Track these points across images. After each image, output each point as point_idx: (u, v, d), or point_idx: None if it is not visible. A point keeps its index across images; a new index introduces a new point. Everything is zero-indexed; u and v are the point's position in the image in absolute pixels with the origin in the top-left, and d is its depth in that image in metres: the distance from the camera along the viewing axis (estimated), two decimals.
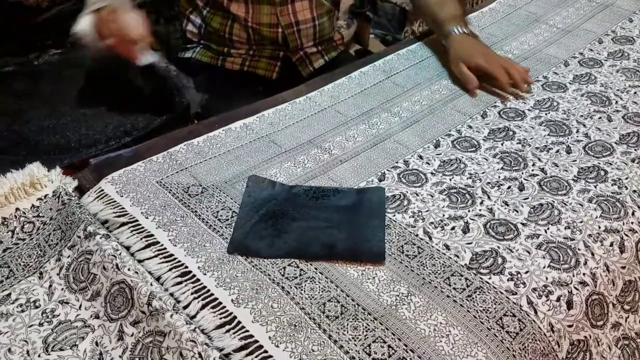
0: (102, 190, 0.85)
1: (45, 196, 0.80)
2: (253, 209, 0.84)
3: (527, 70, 1.19)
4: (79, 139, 1.00)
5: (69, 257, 0.74)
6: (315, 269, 0.75)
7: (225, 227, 0.81)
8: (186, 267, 0.74)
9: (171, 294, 0.70)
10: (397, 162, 0.95)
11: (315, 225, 0.82)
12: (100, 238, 0.72)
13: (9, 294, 0.71)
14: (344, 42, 1.55)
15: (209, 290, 0.71)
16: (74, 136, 1.00)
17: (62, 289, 0.71)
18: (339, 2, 1.46)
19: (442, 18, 1.26)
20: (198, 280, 0.73)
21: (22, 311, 0.69)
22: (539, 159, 0.97)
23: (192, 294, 0.71)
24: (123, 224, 0.80)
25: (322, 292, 0.72)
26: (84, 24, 1.07)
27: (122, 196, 0.84)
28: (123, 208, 0.82)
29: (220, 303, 0.70)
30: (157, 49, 1.66)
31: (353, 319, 0.69)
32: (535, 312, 0.71)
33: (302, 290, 0.72)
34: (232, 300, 0.70)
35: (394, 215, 0.84)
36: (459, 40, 1.20)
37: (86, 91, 1.12)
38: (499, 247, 0.79)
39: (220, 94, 1.31)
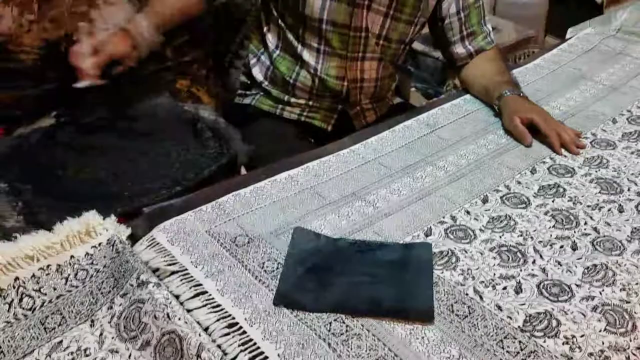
0: (154, 238, 0.87)
1: (100, 244, 0.81)
2: (298, 261, 0.84)
3: (579, 134, 1.18)
4: (132, 189, 1.02)
5: (120, 305, 0.75)
6: (362, 325, 0.74)
7: (271, 279, 0.81)
8: (233, 318, 0.74)
9: (219, 346, 0.70)
10: (443, 217, 0.94)
11: (361, 280, 0.81)
12: (153, 287, 0.73)
13: (61, 341, 0.72)
14: (392, 96, 1.59)
15: (255, 343, 0.71)
16: (127, 186, 1.03)
17: (113, 338, 0.72)
18: (400, 67, 1.52)
19: (494, 84, 1.28)
20: (245, 332, 0.72)
21: (73, 359, 0.69)
22: (591, 218, 0.95)
23: (239, 346, 0.70)
24: (173, 273, 0.81)
25: (370, 350, 0.71)
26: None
27: (172, 245, 0.86)
28: (173, 257, 0.83)
29: (266, 357, 0.69)
30: (207, 102, 1.72)
31: None
32: None
33: (348, 347, 0.71)
34: (278, 355, 0.69)
35: (442, 273, 0.83)
36: (513, 99, 1.22)
37: (139, 143, 1.15)
38: (553, 309, 0.77)
39: (274, 143, 1.34)
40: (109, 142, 1.16)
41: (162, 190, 1.02)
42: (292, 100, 1.41)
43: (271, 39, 1.40)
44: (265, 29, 1.41)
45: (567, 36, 1.72)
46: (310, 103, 1.41)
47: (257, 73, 1.44)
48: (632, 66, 1.49)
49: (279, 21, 1.36)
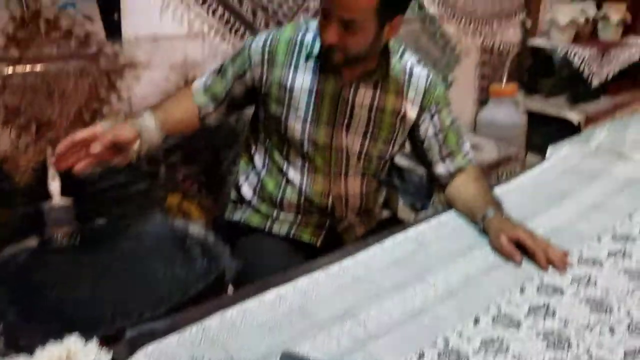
0: None
1: None
2: None
3: (566, 254, 1.17)
4: (115, 310, 1.00)
5: None
6: None
7: None
8: None
9: None
10: (436, 339, 0.92)
11: None
12: None
13: None
14: (380, 211, 1.61)
15: None
16: (110, 307, 1.01)
17: None
18: (384, 180, 1.53)
19: (477, 206, 1.30)
20: None
21: None
22: (583, 339, 0.93)
23: None
24: None
25: None
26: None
27: None
28: None
29: None
30: (198, 217, 1.74)
31: None
32: None
33: None
34: None
35: None
36: (497, 220, 1.23)
37: (126, 262, 1.15)
38: None
39: (263, 259, 1.35)
40: (96, 262, 1.15)
41: (146, 311, 1.00)
42: (281, 216, 1.43)
43: (259, 159, 1.45)
44: (253, 149, 1.47)
45: (547, 155, 1.79)
46: (299, 219, 1.43)
47: (246, 191, 1.47)
48: (612, 185, 1.53)
49: (266, 142, 1.42)
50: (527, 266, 1.14)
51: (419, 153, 1.46)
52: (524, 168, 1.81)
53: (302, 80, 1.32)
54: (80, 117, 1.51)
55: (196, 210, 1.75)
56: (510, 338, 0.93)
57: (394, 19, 1.22)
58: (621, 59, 2.60)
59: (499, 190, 1.50)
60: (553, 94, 2.84)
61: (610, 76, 2.61)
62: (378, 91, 1.34)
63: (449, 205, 1.43)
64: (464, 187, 1.39)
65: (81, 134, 1.10)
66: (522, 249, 1.16)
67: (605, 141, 1.79)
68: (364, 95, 1.34)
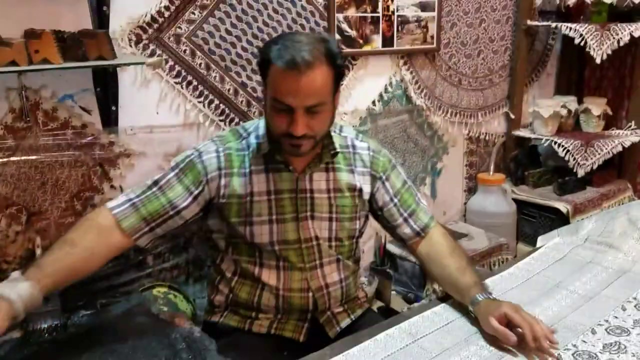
0: None
1: None
2: None
3: (553, 330, 1.17)
4: None
5: None
6: None
7: None
8: None
9: None
10: None
11: None
12: None
13: None
14: (367, 299, 1.58)
15: None
16: None
17: None
18: (359, 259, 1.53)
19: (463, 286, 1.29)
20: None
21: None
22: None
23: None
24: None
25: None
26: None
27: None
28: None
29: None
30: (184, 309, 1.70)
31: None
32: None
33: None
34: None
35: None
36: (486, 303, 1.22)
37: (109, 356, 1.11)
38: None
39: (246, 357, 1.29)
40: (79, 357, 1.11)
41: None
42: (260, 316, 1.39)
43: (227, 268, 1.40)
44: (218, 260, 1.42)
45: (538, 244, 1.79)
46: (279, 317, 1.39)
47: (219, 300, 1.42)
48: (603, 275, 1.53)
49: (232, 253, 1.39)
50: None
51: (382, 221, 1.48)
52: (515, 258, 1.80)
53: (258, 184, 1.32)
54: (71, 206, 1.51)
55: (183, 301, 1.71)
56: None
57: (338, 91, 1.27)
58: (605, 149, 2.67)
59: (492, 280, 1.49)
60: (540, 185, 2.89)
61: (595, 166, 2.67)
62: (331, 173, 1.37)
63: (422, 265, 1.48)
64: (437, 248, 1.42)
65: None
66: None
67: (594, 232, 1.80)
68: (319, 181, 1.36)
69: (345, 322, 1.44)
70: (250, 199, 1.32)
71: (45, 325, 1.22)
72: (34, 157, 1.44)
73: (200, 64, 1.82)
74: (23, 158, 1.42)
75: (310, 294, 1.38)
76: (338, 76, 1.24)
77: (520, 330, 1.14)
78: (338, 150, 1.35)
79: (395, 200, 1.43)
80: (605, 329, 1.25)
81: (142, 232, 1.28)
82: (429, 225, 1.45)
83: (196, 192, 1.31)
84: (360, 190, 1.40)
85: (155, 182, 1.31)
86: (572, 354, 1.15)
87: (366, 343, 1.18)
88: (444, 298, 1.39)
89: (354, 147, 1.41)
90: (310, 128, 1.21)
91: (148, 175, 1.68)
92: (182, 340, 1.18)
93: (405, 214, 1.44)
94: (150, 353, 1.13)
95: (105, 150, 1.57)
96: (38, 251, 1.40)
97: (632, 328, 1.25)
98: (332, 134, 1.36)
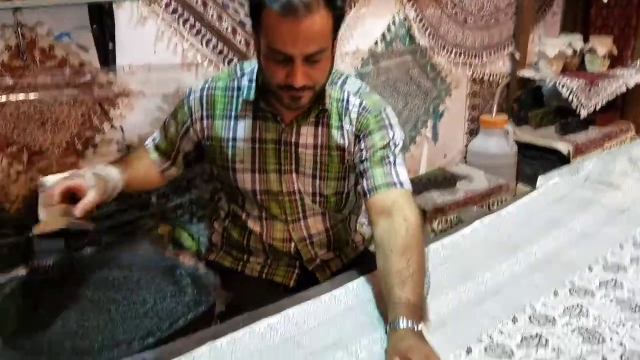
0: None
1: None
2: None
3: None
4: (103, 341, 0.98)
5: None
6: None
7: None
8: None
9: None
10: None
11: None
12: None
13: None
14: (364, 241, 1.58)
15: None
16: (98, 338, 0.99)
17: None
18: (353, 209, 1.48)
19: (395, 299, 1.03)
20: None
21: None
22: None
23: None
24: None
25: None
26: (50, 179, 1.14)
27: None
28: None
29: None
30: (190, 246, 1.73)
31: None
32: None
33: None
34: None
35: None
36: (402, 335, 0.96)
37: (115, 292, 1.13)
38: None
39: (241, 298, 1.30)
40: (84, 292, 1.14)
41: (134, 342, 0.98)
42: (251, 259, 1.42)
43: (223, 207, 1.44)
44: (216, 199, 1.46)
45: (538, 185, 1.80)
46: (269, 262, 1.41)
47: (216, 239, 1.47)
48: (602, 214, 1.54)
49: (225, 195, 1.42)
50: (519, 297, 1.14)
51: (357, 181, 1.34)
52: (514, 198, 1.81)
53: (244, 130, 1.29)
54: (73, 146, 1.51)
55: (188, 239, 1.74)
56: None
57: (337, 36, 1.18)
58: (609, 90, 2.64)
59: (490, 219, 1.50)
60: (542, 125, 2.88)
61: (598, 107, 2.65)
62: (320, 128, 1.29)
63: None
64: (389, 244, 1.12)
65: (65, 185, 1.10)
66: None
67: (594, 171, 1.80)
68: (307, 136, 1.29)
69: (337, 267, 1.44)
70: (233, 144, 1.30)
71: (51, 263, 1.24)
72: (32, 97, 1.43)
73: (196, 1, 1.77)
74: (22, 97, 1.40)
75: (293, 244, 1.39)
76: (338, 19, 1.14)
77: None
78: (327, 107, 1.27)
79: (365, 155, 1.25)
80: (603, 267, 1.27)
81: (166, 167, 1.39)
82: (378, 189, 1.20)
83: (183, 133, 1.34)
84: (347, 151, 1.30)
85: (164, 122, 1.38)
86: (569, 290, 1.17)
87: (366, 277, 1.20)
88: (441, 237, 1.40)
89: (347, 102, 1.28)
90: (310, 78, 1.13)
91: (148, 116, 1.68)
92: (187, 276, 1.20)
93: (362, 168, 1.25)
94: (156, 289, 1.15)
95: (105, 89, 1.56)
96: (41, 189, 1.41)
97: (630, 265, 1.27)
98: (331, 86, 1.28)
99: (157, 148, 1.37)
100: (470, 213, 2.28)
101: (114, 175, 1.22)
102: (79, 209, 1.09)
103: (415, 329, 0.96)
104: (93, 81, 1.54)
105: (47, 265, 1.21)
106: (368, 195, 1.21)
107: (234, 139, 1.30)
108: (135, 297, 1.12)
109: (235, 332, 1.00)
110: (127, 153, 1.45)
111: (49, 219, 1.07)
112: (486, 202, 2.41)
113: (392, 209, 1.16)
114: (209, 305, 1.13)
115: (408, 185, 1.23)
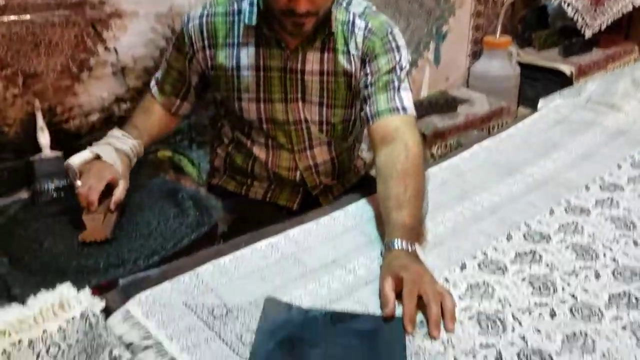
0: (129, 311, 0.85)
1: (73, 318, 0.79)
2: (269, 334, 0.82)
3: (453, 319, 0.87)
4: (108, 260, 1.01)
5: None
6: None
7: (249, 351, 0.80)
8: None
9: None
10: None
11: (333, 352, 0.80)
12: None
13: None
14: (365, 165, 1.59)
15: None
16: (103, 257, 1.02)
17: None
18: (358, 136, 1.48)
19: (391, 221, 1.04)
20: None
21: None
22: (568, 284, 0.95)
23: None
24: (148, 347, 0.79)
25: None
26: (77, 160, 1.14)
27: (147, 318, 0.84)
28: (148, 330, 0.82)
29: None
30: (190, 172, 1.74)
31: None
32: None
33: None
34: None
35: (423, 342, 0.82)
36: (396, 254, 0.97)
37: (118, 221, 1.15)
38: None
39: (244, 220, 1.32)
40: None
41: (139, 260, 1.01)
42: (255, 183, 1.42)
43: (226, 133, 1.41)
44: (219, 123, 1.43)
45: (539, 107, 1.79)
46: (272, 187, 1.42)
47: (218, 163, 1.46)
48: (602, 135, 1.54)
49: (229, 119, 1.39)
50: (513, 215, 1.16)
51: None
52: (515, 120, 1.81)
53: (247, 58, 1.25)
54: (67, 68, 1.48)
55: (188, 165, 1.75)
56: (496, 283, 0.95)
57: None
58: (614, 9, 2.57)
59: (490, 141, 1.50)
60: (546, 47, 2.82)
61: (603, 27, 2.59)
62: (326, 54, 1.25)
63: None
64: (389, 168, 1.13)
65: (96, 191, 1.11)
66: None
67: (596, 93, 1.78)
68: (312, 62, 1.25)
69: (339, 192, 1.45)
70: (237, 72, 1.26)
71: (52, 186, 1.25)
72: (24, 17, 1.39)
73: None
74: (12, 17, 1.36)
75: (298, 173, 1.39)
76: None
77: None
78: (333, 30, 1.23)
79: (370, 79, 1.23)
80: (599, 186, 1.28)
81: (177, 105, 1.36)
82: (380, 115, 1.19)
83: (188, 62, 1.30)
84: (353, 76, 1.27)
85: (164, 58, 1.35)
86: (564, 209, 1.19)
87: (365, 200, 1.21)
88: (440, 160, 1.41)
89: (353, 25, 1.24)
90: (313, 3, 1.09)
91: (142, 37, 1.64)
92: (189, 199, 1.22)
93: (366, 93, 1.23)
94: (158, 212, 1.17)
95: (96, 10, 1.51)
96: (38, 114, 1.40)
97: (626, 185, 1.29)
98: (336, 7, 1.23)
99: (162, 90, 1.34)
100: (470, 137, 2.28)
101: (136, 147, 1.24)
102: (114, 204, 1.13)
103: (410, 250, 0.97)
104: (84, 1, 1.49)
105: (49, 188, 1.23)
106: (371, 122, 1.21)
107: (238, 68, 1.26)
108: (139, 219, 1.14)
109: (238, 250, 1.03)
110: (135, 108, 1.40)
111: (92, 227, 1.08)
112: (486, 125, 2.40)
113: (393, 135, 1.17)
114: (211, 226, 1.15)
115: (411, 111, 1.21)
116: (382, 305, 0.89)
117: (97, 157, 1.16)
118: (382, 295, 0.90)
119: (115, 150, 1.18)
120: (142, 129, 1.30)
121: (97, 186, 1.11)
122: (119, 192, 1.13)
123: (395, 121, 1.19)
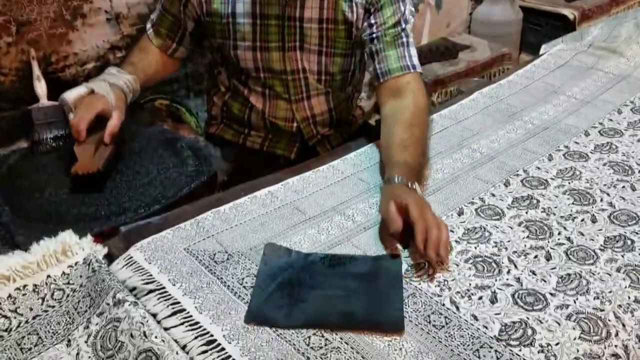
0: (131, 257, 0.87)
1: (76, 263, 0.81)
2: (270, 277, 0.84)
3: (448, 247, 0.90)
4: (109, 208, 1.02)
5: (97, 324, 0.74)
6: (341, 338, 0.75)
7: (251, 295, 0.82)
8: (211, 335, 0.75)
9: None
10: None
11: (332, 293, 0.82)
12: (129, 305, 0.73)
13: None
14: (364, 114, 1.58)
15: None
16: (104, 205, 1.03)
17: (90, 357, 0.71)
18: (356, 86, 1.46)
19: (393, 161, 1.05)
20: (223, 349, 0.73)
21: None
22: (565, 228, 0.96)
23: None
24: (150, 291, 0.81)
25: None
26: (71, 95, 1.14)
27: (150, 263, 0.86)
28: (151, 275, 0.83)
29: None
30: (188, 121, 1.73)
31: None
32: None
33: None
34: None
35: (419, 284, 0.84)
36: (397, 186, 0.97)
37: (116, 160, 1.15)
38: (528, 318, 0.78)
39: (243, 169, 1.33)
40: None
41: (140, 209, 1.02)
42: (252, 133, 1.42)
43: (222, 81, 1.39)
44: (216, 70, 1.41)
45: (541, 53, 1.76)
46: (270, 136, 1.41)
47: (215, 112, 1.45)
48: (603, 80, 1.53)
49: (226, 67, 1.36)
50: (512, 162, 1.16)
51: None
52: (516, 66, 1.78)
53: (242, 4, 1.22)
54: (61, 16, 1.45)
55: (186, 114, 1.73)
56: (493, 227, 0.96)
57: None
58: None
59: (491, 88, 1.49)
60: None
61: None
62: (326, 0, 1.21)
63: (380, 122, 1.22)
64: (395, 117, 1.15)
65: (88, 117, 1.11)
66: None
67: (599, 38, 1.75)
68: (312, 9, 1.21)
69: (337, 141, 1.44)
70: (232, 20, 1.23)
71: (51, 136, 1.25)
72: None
73: None
74: None
75: (295, 124, 1.37)
76: None
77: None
78: None
79: (376, 32, 1.21)
80: (599, 131, 1.28)
81: (173, 49, 1.35)
82: (391, 72, 1.20)
83: (182, 7, 1.27)
84: (355, 25, 1.24)
85: (161, 1, 1.31)
86: (563, 154, 1.19)
87: (364, 148, 1.21)
88: (439, 109, 1.40)
89: None
90: None
91: None
92: (188, 148, 1.22)
93: (374, 48, 1.22)
94: (157, 161, 1.17)
95: None
96: (34, 63, 1.38)
97: (626, 130, 1.28)
98: None
99: (158, 33, 1.32)
100: (470, 84, 2.25)
101: (131, 83, 1.22)
102: (107, 135, 1.13)
103: (409, 186, 0.97)
104: None
105: (47, 138, 1.23)
106: (381, 79, 1.22)
107: (233, 15, 1.23)
108: (139, 167, 1.15)
109: (237, 199, 1.04)
110: (131, 48, 1.40)
111: (84, 159, 1.08)
112: (487, 72, 2.37)
113: (403, 90, 1.19)
114: (210, 175, 1.15)
115: (420, 67, 1.23)
116: (390, 224, 0.89)
117: (92, 92, 1.16)
118: (387, 215, 0.91)
119: (110, 85, 1.18)
120: (139, 66, 1.29)
121: (86, 116, 1.11)
122: (112, 124, 1.13)
123: (405, 78, 1.21)
